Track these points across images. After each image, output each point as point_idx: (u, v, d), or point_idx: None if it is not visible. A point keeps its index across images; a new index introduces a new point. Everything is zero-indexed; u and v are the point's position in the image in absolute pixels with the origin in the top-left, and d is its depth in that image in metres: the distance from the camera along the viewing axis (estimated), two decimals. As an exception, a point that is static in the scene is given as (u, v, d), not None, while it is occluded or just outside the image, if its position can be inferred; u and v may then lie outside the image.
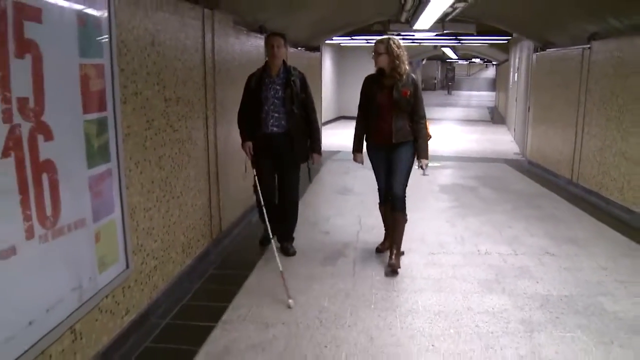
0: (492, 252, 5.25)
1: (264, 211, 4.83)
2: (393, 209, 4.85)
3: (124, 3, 3.26)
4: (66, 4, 2.65)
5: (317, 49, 12.54)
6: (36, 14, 2.40)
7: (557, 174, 9.24)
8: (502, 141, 15.04)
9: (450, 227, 6.10)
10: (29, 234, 2.37)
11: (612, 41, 7.25)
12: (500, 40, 14.82)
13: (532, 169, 10.50)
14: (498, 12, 9.96)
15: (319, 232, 5.92)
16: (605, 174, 7.36)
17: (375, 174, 4.99)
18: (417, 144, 4.74)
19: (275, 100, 4.78)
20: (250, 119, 4.86)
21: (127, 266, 3.33)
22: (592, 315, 3.87)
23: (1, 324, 2.21)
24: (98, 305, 3.02)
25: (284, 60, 4.87)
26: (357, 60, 20.69)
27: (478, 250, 5.28)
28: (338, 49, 20.37)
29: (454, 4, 7.47)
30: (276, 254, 4.51)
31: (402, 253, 5.04)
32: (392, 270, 4.68)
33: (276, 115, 4.79)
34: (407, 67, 4.62)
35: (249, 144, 4.89)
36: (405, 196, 4.79)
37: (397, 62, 4.53)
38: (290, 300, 4.01)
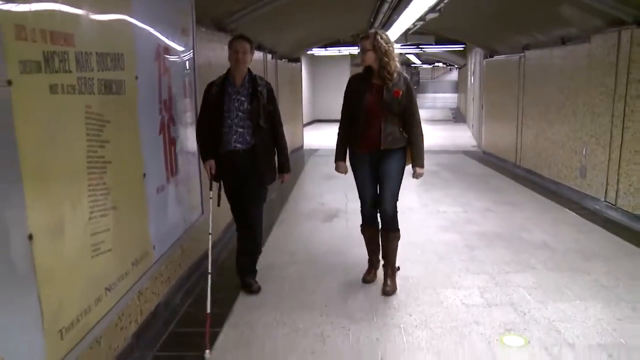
0: (448, 211, 7.05)
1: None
2: (384, 228, 4.43)
3: (198, 41, 4.94)
4: (179, 47, 4.35)
5: (297, 60, 14.30)
6: (170, 52, 4.11)
7: (505, 160, 11.15)
8: (462, 137, 16.99)
9: (417, 197, 7.87)
10: (167, 180, 4.05)
11: (539, 51, 9.19)
12: (457, 47, 16.79)
13: (485, 158, 12.41)
14: (452, 26, 11.88)
15: (315, 203, 7.63)
16: (538, 156, 9.27)
17: (358, 187, 4.49)
18: (413, 150, 4.29)
19: (240, 113, 4.15)
20: (210, 134, 4.23)
21: (202, 212, 5.01)
22: (513, 240, 5.70)
23: (163, 230, 3.91)
24: (189, 233, 4.67)
25: (249, 68, 4.25)
26: (329, 69, 22.72)
27: (438, 210, 7.06)
28: (312, 59, 22.13)
29: (424, 15, 9.09)
30: (209, 291, 3.78)
31: (398, 269, 4.57)
32: (389, 294, 4.32)
33: (240, 130, 4.16)
34: (398, 65, 4.17)
35: (211, 162, 4.21)
36: (397, 212, 4.39)
37: (386, 59, 4.06)
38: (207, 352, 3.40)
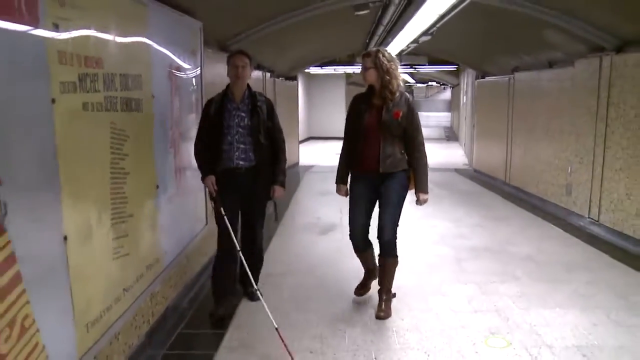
0: (439, 226, 7.35)
1: (220, 272, 4.39)
2: (383, 254, 4.26)
3: (205, 62, 5.25)
4: (188, 66, 4.67)
5: (294, 78, 14.67)
6: (180, 71, 4.43)
7: (495, 178, 11.48)
8: (454, 155, 17.35)
9: (409, 213, 8.15)
10: (176, 192, 4.34)
11: (527, 73, 9.58)
12: (449, 68, 17.22)
13: (476, 176, 12.75)
14: (444, 48, 12.30)
15: (311, 217, 7.92)
16: (526, 174, 9.62)
17: (350, 211, 4.32)
18: (415, 175, 4.17)
19: (240, 130, 4.12)
20: (210, 151, 4.19)
21: (207, 223, 5.29)
22: (500, 253, 6.01)
23: (172, 239, 4.19)
24: (194, 243, 4.95)
25: (248, 84, 4.24)
26: (325, 87, 23.11)
27: (429, 225, 7.36)
28: (307, 77, 22.52)
29: (418, 38, 9.46)
30: (266, 308, 3.74)
31: (394, 295, 4.45)
32: (382, 319, 4.21)
33: (242, 146, 4.13)
34: (401, 84, 4.07)
35: (212, 178, 4.14)
36: (396, 238, 4.25)
37: (388, 77, 3.94)
38: None
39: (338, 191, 4.43)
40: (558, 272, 5.35)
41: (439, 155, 17.23)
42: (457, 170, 13.62)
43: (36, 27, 2.29)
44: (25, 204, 2.21)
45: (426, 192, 4.22)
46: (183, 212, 4.57)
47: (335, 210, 8.04)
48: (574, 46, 7.31)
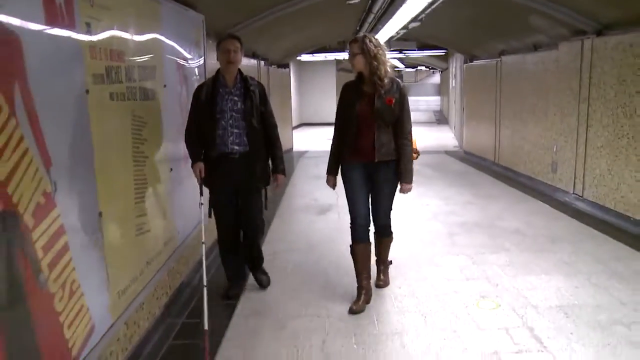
0: (431, 204, 7.69)
1: (227, 256, 4.53)
2: (379, 235, 4.45)
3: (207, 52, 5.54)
4: (193, 57, 4.95)
5: (287, 65, 14.93)
6: (187, 62, 4.72)
7: (485, 158, 11.84)
8: (444, 137, 17.71)
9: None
10: (187, 173, 4.65)
11: (513, 56, 9.91)
12: (438, 52, 17.52)
13: (466, 157, 13.10)
14: (433, 33, 12.59)
15: (309, 199, 8.24)
16: (514, 154, 9.98)
17: (349, 201, 4.23)
18: (400, 163, 4.07)
19: (234, 114, 4.04)
20: (202, 137, 4.11)
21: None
22: (489, 227, 6.36)
23: (184, 218, 4.50)
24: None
25: (239, 69, 4.16)
26: (316, 74, 23.39)
27: (421, 204, 7.70)
28: (299, 64, 22.74)
29: (407, 24, 9.75)
30: (205, 308, 3.57)
31: (390, 262, 4.70)
32: (381, 287, 4.50)
33: (236, 131, 4.06)
34: (389, 70, 3.97)
35: (201, 165, 4.08)
36: (391, 220, 4.39)
37: (375, 63, 3.85)
38: None
39: (328, 182, 4.36)
40: (544, 243, 5.71)
41: (430, 138, 17.58)
42: (448, 152, 13.96)
43: (73, 27, 2.59)
44: (68, 183, 2.51)
45: (410, 182, 4.15)
46: (193, 195, 4.88)
47: (330, 192, 8.32)
48: (557, 30, 7.63)
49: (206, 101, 4.04)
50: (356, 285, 4.24)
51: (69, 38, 2.56)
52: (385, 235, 4.45)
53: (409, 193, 4.23)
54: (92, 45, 2.80)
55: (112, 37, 3.08)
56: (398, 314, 4.02)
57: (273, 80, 12.05)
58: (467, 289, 4.48)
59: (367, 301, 4.19)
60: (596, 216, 6.74)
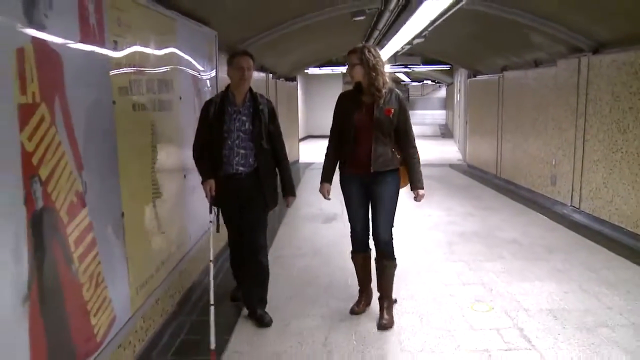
0: (433, 215, 7.94)
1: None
2: (379, 256, 4.15)
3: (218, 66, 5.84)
4: (206, 70, 5.24)
5: (294, 79, 15.26)
6: (200, 74, 5.01)
7: (487, 172, 12.08)
8: (449, 151, 17.95)
9: (405, 203, 8.74)
10: (198, 181, 4.91)
11: (515, 72, 10.19)
12: (442, 67, 17.83)
13: (469, 170, 13.34)
14: (437, 49, 12.89)
15: (315, 209, 8.51)
16: (515, 168, 10.22)
17: (348, 213, 4.24)
18: (409, 172, 4.06)
19: (241, 134, 3.93)
20: (209, 155, 4.00)
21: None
22: (488, 237, 6.60)
23: (195, 224, 4.76)
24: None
25: (250, 87, 4.03)
26: (322, 87, 23.72)
27: (423, 214, 7.95)
28: (306, 77, 23.08)
29: (412, 40, 10.05)
30: (212, 326, 3.59)
31: (395, 301, 4.37)
32: (386, 328, 4.07)
33: (242, 151, 3.95)
34: (388, 81, 3.93)
35: (211, 182, 3.95)
36: (392, 239, 4.14)
37: (374, 73, 3.82)
38: None
39: (321, 190, 4.25)
40: (539, 252, 5.94)
41: (434, 151, 17.83)
42: (451, 166, 14.21)
43: (103, 45, 2.88)
44: (96, 185, 2.78)
45: (423, 187, 4.11)
46: (204, 202, 5.14)
47: (335, 203, 8.58)
48: (556, 47, 7.90)
49: (214, 119, 3.92)
50: (358, 288, 4.45)
51: (99, 54, 2.85)
52: (386, 257, 4.13)
53: (418, 202, 4.17)
54: (118, 61, 3.09)
55: (135, 53, 3.37)
56: (396, 314, 4.25)
57: (280, 93, 12.36)
58: (463, 293, 4.72)
59: (368, 304, 4.39)
60: (592, 228, 6.97)
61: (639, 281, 4.95)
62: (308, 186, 11.14)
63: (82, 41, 2.64)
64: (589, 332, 3.88)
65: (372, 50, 3.91)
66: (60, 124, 2.40)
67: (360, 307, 4.34)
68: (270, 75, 11.09)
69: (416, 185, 4.10)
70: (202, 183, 4.01)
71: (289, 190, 4.28)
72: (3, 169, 2.01)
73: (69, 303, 2.49)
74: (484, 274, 5.20)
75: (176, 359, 3.70)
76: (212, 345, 3.53)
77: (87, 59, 2.71)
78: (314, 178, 12.20)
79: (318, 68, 18.08)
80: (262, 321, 4.14)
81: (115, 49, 3.04)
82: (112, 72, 3.02)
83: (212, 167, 3.98)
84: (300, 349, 3.74)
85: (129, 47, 3.27)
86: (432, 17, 7.17)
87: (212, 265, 3.89)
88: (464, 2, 6.48)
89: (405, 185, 4.17)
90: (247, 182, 3.99)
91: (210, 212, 4.05)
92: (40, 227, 2.24)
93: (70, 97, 2.48)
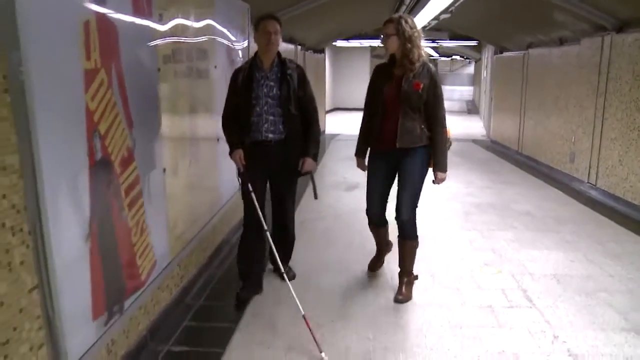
0: (452, 187, 8.18)
1: (247, 250, 4.16)
2: (401, 236, 4.07)
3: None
4: (238, 41, 5.55)
5: (322, 51, 15.48)
6: (233, 45, 5.32)
7: (509, 147, 12.26)
8: (474, 127, 18.06)
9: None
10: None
11: (540, 49, 10.30)
12: (470, 43, 17.85)
13: (492, 146, 13.51)
14: (464, 25, 12.98)
15: (339, 177, 8.84)
16: (536, 144, 10.40)
17: (368, 185, 4.17)
18: (435, 151, 3.91)
19: (270, 100, 3.82)
20: (237, 123, 3.90)
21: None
22: (503, 209, 6.87)
23: (225, 185, 5.12)
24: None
25: (278, 51, 3.90)
26: (350, 60, 23.88)
27: (443, 186, 8.15)
28: (334, 49, 23.24)
29: (438, 15, 10.23)
30: (294, 294, 3.59)
31: (416, 277, 4.25)
32: (401, 302, 4.03)
33: (272, 118, 3.84)
34: (423, 54, 3.79)
35: (240, 152, 3.87)
36: (415, 219, 4.03)
37: (409, 45, 3.69)
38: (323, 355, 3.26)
39: (358, 165, 4.27)
40: (551, 224, 6.21)
41: (460, 127, 17.95)
42: (475, 141, 14.38)
43: (151, 17, 3.21)
44: (143, 142, 3.14)
45: (445, 170, 3.98)
46: (233, 166, 5.50)
47: (359, 172, 8.93)
48: (580, 25, 8.02)
49: (242, 86, 3.82)
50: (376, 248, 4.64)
51: (147, 26, 3.18)
52: (408, 236, 4.04)
53: (436, 184, 4.10)
54: (162, 32, 3.43)
55: (177, 24, 3.70)
56: (410, 273, 4.59)
57: (309, 65, 12.62)
58: (473, 257, 5.04)
59: (382, 263, 4.68)
60: (606, 204, 7.18)
61: (645, 254, 5.21)
62: (333, 156, 11.47)
63: (134, 14, 2.97)
64: (588, 296, 4.17)
65: (409, 20, 3.75)
66: (115, 87, 2.75)
67: (378, 264, 4.62)
68: (299, 47, 11.36)
69: (437, 167, 3.95)
70: (230, 154, 3.91)
71: (309, 152, 4.05)
72: (72, 124, 2.37)
73: (120, 244, 2.88)
74: (495, 242, 5.50)
75: (207, 304, 4.09)
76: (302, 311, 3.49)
77: (137, 30, 3.05)
78: (340, 149, 12.55)
79: (346, 41, 18.23)
80: (287, 275, 3.90)
81: (160, 21, 3.37)
82: (158, 42, 3.35)
83: (240, 136, 3.87)
84: (320, 298, 4.11)
85: (172, 19, 3.60)
86: (458, -6, 7.35)
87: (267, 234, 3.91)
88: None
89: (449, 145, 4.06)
90: (276, 149, 3.89)
91: (244, 182, 3.90)
92: (99, 176, 2.61)
93: (123, 64, 2.82)
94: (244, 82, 3.83)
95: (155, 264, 3.41)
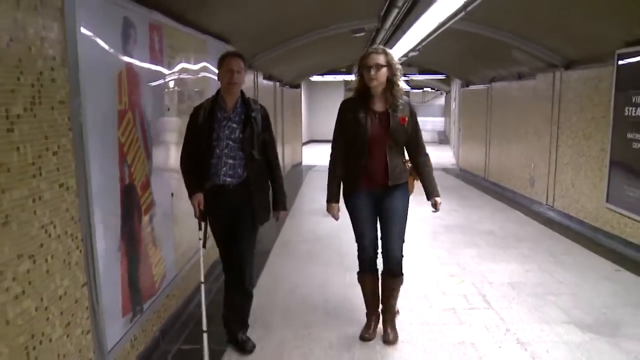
0: (422, 210, 8.85)
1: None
2: (389, 274, 3.92)
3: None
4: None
5: (298, 86, 16.24)
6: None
7: (476, 175, 13.03)
8: (445, 156, 18.88)
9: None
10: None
11: (501, 83, 11.16)
12: (438, 77, 18.83)
13: (461, 174, 14.30)
14: (432, 61, 13.87)
15: (316, 204, 9.37)
16: (501, 172, 11.18)
17: (356, 230, 3.93)
18: (424, 181, 3.91)
19: (231, 143, 3.58)
20: (196, 166, 3.63)
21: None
22: (468, 229, 7.56)
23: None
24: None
25: (242, 91, 3.68)
26: (325, 93, 24.76)
27: (413, 210, 8.85)
28: (310, 84, 24.10)
29: (407, 53, 10.99)
30: (206, 353, 3.56)
31: (397, 312, 4.17)
32: (393, 343, 3.92)
33: (231, 161, 3.60)
34: (404, 86, 3.74)
35: (199, 196, 3.59)
36: (403, 256, 3.93)
37: (395, 78, 3.63)
38: None
39: (330, 210, 4.01)
40: (511, 241, 6.89)
41: (432, 156, 18.70)
42: (445, 170, 15.15)
43: (162, 64, 3.84)
44: (156, 170, 3.73)
45: (439, 195, 4.00)
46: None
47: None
48: (535, 63, 8.86)
49: (203, 126, 3.58)
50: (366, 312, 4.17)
51: (160, 72, 3.81)
52: (397, 273, 3.90)
53: (436, 210, 4.11)
54: (170, 77, 4.05)
55: (180, 69, 4.33)
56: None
57: (286, 99, 13.34)
58: (440, 270, 5.67)
59: (377, 325, 4.11)
60: (562, 223, 7.90)
61: (592, 264, 5.89)
62: (310, 186, 12.13)
63: (151, 63, 3.60)
64: (538, 298, 4.82)
65: (391, 53, 3.67)
66: (137, 124, 3.35)
67: (370, 332, 4.04)
68: (277, 83, 12.07)
69: (433, 194, 3.94)
70: (190, 197, 3.62)
71: (280, 204, 3.88)
72: (107, 155, 2.96)
73: (141, 255, 3.45)
74: (460, 257, 6.14)
75: (207, 313, 4.62)
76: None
77: (153, 76, 3.68)
78: (316, 179, 13.19)
79: (321, 76, 19.09)
80: (244, 347, 3.86)
81: (169, 67, 4.00)
82: (167, 85, 3.97)
83: (200, 180, 3.62)
84: (306, 303, 4.71)
85: (177, 64, 4.23)
86: (423, 36, 8.12)
87: (202, 286, 3.70)
88: (451, 23, 7.42)
89: (411, 193, 4.01)
90: (236, 194, 3.63)
91: (200, 228, 3.66)
92: (127, 197, 3.19)
93: (142, 105, 3.43)
94: (205, 122, 3.58)
95: (165, 275, 3.97)
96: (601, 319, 4.36)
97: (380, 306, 4.06)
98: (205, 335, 3.58)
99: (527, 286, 5.15)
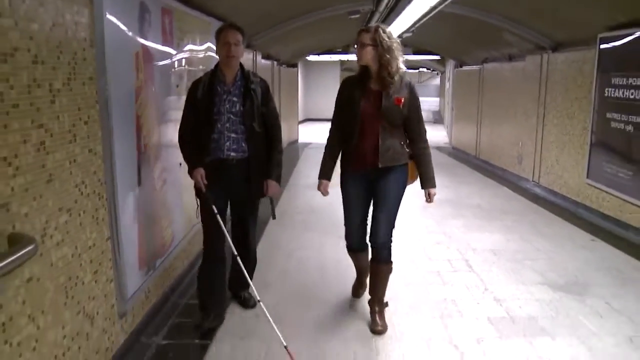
0: (414, 185, 9.24)
1: (207, 280, 3.87)
2: (375, 259, 3.82)
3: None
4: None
5: (295, 65, 16.54)
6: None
7: (468, 153, 13.42)
8: (439, 135, 19.25)
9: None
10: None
11: (493, 64, 11.50)
12: (433, 57, 19.12)
13: (453, 152, 14.69)
14: (426, 42, 14.17)
15: (312, 179, 9.68)
16: (492, 150, 11.57)
17: (346, 211, 3.91)
18: (421, 169, 3.77)
19: (232, 116, 3.56)
20: (196, 141, 3.61)
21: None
22: (456, 203, 7.96)
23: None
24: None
25: (241, 64, 3.66)
26: (321, 73, 25.07)
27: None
28: (306, 64, 24.34)
29: (401, 34, 11.31)
30: (273, 324, 3.44)
31: (386, 304, 4.03)
32: (381, 333, 3.78)
33: (233, 135, 3.59)
34: (402, 67, 3.53)
35: (201, 171, 3.56)
36: (391, 241, 3.83)
37: (387, 56, 3.43)
38: None
39: (319, 188, 3.95)
40: (496, 214, 7.30)
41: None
42: (439, 148, 15.52)
43: (172, 45, 4.19)
44: (165, 140, 4.10)
45: (435, 186, 3.88)
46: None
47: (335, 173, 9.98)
48: (524, 45, 9.19)
49: (202, 100, 3.54)
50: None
51: (170, 52, 4.16)
52: (382, 260, 3.80)
53: (429, 202, 4.01)
54: (178, 57, 4.40)
55: (189, 49, 4.68)
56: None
57: (283, 78, 13.66)
58: (427, 238, 6.09)
59: (365, 287, 4.23)
60: (547, 198, 8.31)
61: (570, 235, 6.31)
62: (306, 162, 12.52)
63: (163, 44, 3.95)
64: (516, 262, 5.25)
65: (387, 30, 3.52)
66: (151, 100, 3.71)
67: (362, 289, 4.30)
68: (275, 62, 12.38)
69: (428, 184, 3.83)
70: (190, 172, 3.61)
71: (273, 174, 3.79)
72: (127, 126, 3.33)
73: (154, 215, 3.83)
74: (447, 228, 6.55)
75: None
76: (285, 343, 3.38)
77: (164, 56, 4.03)
78: (312, 155, 13.58)
79: (317, 55, 19.37)
80: (247, 303, 4.09)
81: (178, 48, 4.35)
82: (176, 64, 4.32)
83: (199, 154, 3.60)
84: (301, 268, 5.11)
85: (185, 45, 4.57)
86: (416, 18, 8.44)
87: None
88: (442, 6, 7.74)
89: (413, 181, 3.91)
90: (238, 168, 3.63)
91: (209, 201, 3.62)
92: (143, 161, 3.57)
93: (156, 82, 3.79)
94: (204, 97, 3.54)
95: (174, 238, 4.35)
96: (572, 281, 4.79)
97: (369, 297, 3.98)
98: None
99: (508, 252, 5.56)
